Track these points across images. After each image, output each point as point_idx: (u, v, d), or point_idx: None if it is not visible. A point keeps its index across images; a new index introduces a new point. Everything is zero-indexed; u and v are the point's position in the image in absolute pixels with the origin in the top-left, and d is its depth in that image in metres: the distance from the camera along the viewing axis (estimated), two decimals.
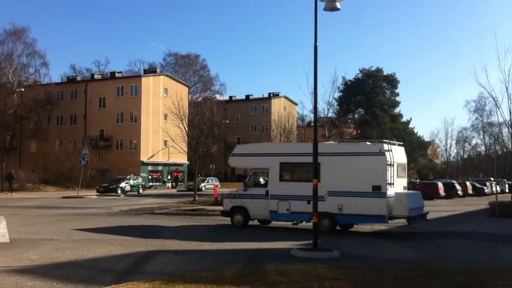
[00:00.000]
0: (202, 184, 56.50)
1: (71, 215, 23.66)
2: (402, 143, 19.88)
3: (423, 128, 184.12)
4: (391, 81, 74.55)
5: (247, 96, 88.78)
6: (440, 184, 44.73)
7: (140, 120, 61.71)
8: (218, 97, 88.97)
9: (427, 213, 18.51)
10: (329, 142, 21.32)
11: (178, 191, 59.03)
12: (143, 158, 61.41)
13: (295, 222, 18.78)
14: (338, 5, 13.17)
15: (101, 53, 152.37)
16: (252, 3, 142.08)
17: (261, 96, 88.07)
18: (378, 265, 10.67)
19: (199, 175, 50.92)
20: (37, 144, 66.28)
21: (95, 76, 70.45)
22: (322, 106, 39.08)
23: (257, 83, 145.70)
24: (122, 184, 46.54)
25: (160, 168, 64.56)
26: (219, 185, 53.89)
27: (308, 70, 57.70)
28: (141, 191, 48.52)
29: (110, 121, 63.05)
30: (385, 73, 74.43)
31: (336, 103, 55.70)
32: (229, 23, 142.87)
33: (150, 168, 62.86)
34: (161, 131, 61.27)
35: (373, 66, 75.12)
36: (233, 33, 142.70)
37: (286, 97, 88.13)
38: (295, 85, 79.82)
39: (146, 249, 12.92)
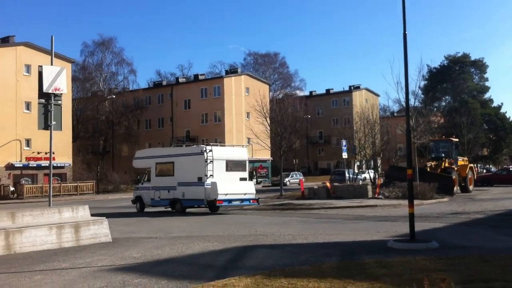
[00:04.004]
0: (287, 179, 56.64)
1: (165, 214, 24.48)
2: (245, 145, 26.71)
3: None
4: (480, 66, 70.89)
5: (328, 90, 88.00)
6: None
7: (223, 119, 62.90)
8: (298, 93, 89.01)
9: (257, 199, 23.99)
10: (179, 146, 28.48)
11: (263, 186, 59.56)
12: None
13: (166, 206, 24.89)
14: None
15: (184, 58, 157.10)
16: None
17: (342, 89, 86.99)
18: (482, 255, 10.19)
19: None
20: (128, 147, 69.34)
21: (180, 80, 72.53)
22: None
23: (336, 76, 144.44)
24: None
25: None
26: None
27: (393, 60, 56.28)
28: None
29: (196, 122, 64.76)
30: (472, 58, 70.98)
31: (421, 92, 53.80)
32: (306, 18, 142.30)
33: None
34: (244, 129, 62.18)
35: (459, 52, 71.92)
36: (311, 28, 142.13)
37: (367, 89, 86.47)
38: (376, 76, 78.85)
39: (242, 244, 13.10)
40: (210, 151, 22.93)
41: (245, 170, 24.35)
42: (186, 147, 26.60)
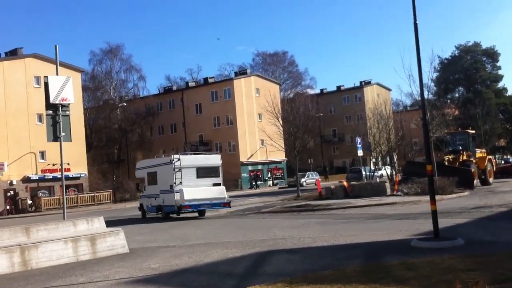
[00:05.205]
0: (303, 179, 56.28)
1: (182, 221, 24.31)
2: (218, 152, 31.02)
3: None
4: (491, 54, 70.01)
5: (338, 87, 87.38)
6: None
7: (236, 122, 62.73)
8: (309, 91, 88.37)
9: (228, 202, 25.39)
10: (160, 157, 29.63)
11: (279, 188, 59.25)
12: (242, 158, 62.30)
13: (156, 212, 26.31)
14: None
15: (193, 61, 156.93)
16: None
17: (353, 85, 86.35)
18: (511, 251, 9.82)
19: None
20: (142, 155, 68.86)
21: (190, 84, 72.42)
22: (418, 89, 37.11)
23: (347, 72, 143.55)
24: None
25: (259, 167, 65.13)
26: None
27: (403, 52, 55.48)
28: None
29: (208, 125, 64.66)
30: (483, 47, 70.11)
31: (433, 84, 53.20)
32: (313, 16, 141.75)
33: (250, 168, 63.69)
34: (257, 131, 61.96)
35: (469, 41, 71.13)
36: (318, 25, 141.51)
37: (378, 84, 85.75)
38: (387, 70, 78.02)
39: (261, 249, 12.81)
40: (178, 160, 24.65)
41: (218, 176, 25.50)
42: (164, 158, 27.82)
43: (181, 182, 24.26)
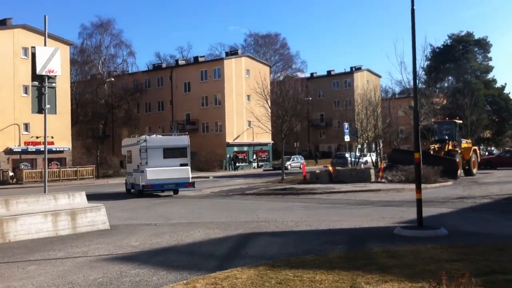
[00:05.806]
0: (288, 163, 56.25)
1: (166, 198, 24.16)
2: (187, 133, 29.27)
3: None
4: (483, 45, 70.07)
5: (329, 72, 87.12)
6: None
7: (224, 102, 62.32)
8: (300, 74, 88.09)
9: (192, 182, 25.57)
10: (132, 138, 29.32)
11: (264, 170, 59.21)
12: (229, 139, 62.07)
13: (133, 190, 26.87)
14: None
15: (184, 40, 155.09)
16: None
17: (343, 70, 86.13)
18: (495, 242, 9.78)
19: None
20: (128, 131, 68.50)
21: (179, 62, 71.59)
22: (409, 77, 37.14)
23: (338, 58, 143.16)
24: None
25: (245, 148, 64.97)
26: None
27: (396, 39, 55.26)
28: None
29: (196, 105, 64.20)
30: (476, 37, 70.05)
31: (423, 72, 53.24)
32: (308, 0, 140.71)
33: (235, 149, 63.53)
34: (245, 112, 61.69)
35: (462, 31, 71.05)
36: (312, 8, 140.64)
37: (369, 70, 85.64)
38: (378, 56, 77.82)
39: (244, 231, 12.70)
40: (144, 141, 25.23)
41: (185, 156, 25.84)
42: (133, 138, 28.41)
43: (146, 163, 24.81)
